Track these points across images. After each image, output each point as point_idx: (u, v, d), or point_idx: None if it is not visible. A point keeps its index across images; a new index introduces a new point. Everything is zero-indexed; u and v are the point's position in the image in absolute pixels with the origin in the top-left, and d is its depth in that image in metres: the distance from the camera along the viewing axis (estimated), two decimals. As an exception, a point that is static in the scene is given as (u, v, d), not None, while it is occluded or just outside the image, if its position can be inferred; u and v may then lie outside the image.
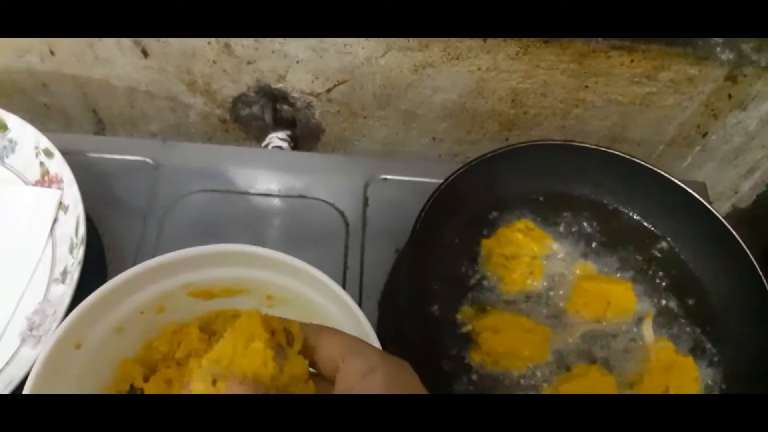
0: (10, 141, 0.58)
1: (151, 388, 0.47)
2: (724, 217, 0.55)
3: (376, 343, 0.44)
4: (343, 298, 0.46)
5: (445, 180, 0.55)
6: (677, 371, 0.52)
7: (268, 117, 0.73)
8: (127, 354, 0.48)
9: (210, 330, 0.50)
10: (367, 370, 0.29)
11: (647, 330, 0.54)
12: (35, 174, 0.57)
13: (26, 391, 0.40)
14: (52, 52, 0.66)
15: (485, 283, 0.55)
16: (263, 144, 0.73)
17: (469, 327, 0.52)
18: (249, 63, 0.66)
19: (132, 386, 0.47)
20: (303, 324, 0.35)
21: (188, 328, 0.48)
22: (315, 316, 0.49)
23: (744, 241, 0.54)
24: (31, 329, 0.50)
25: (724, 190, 0.80)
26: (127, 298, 0.46)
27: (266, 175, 0.65)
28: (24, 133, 0.58)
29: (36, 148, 0.57)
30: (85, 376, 0.45)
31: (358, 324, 0.45)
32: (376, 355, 0.30)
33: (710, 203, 0.57)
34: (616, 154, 0.59)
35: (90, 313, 0.44)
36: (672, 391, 0.51)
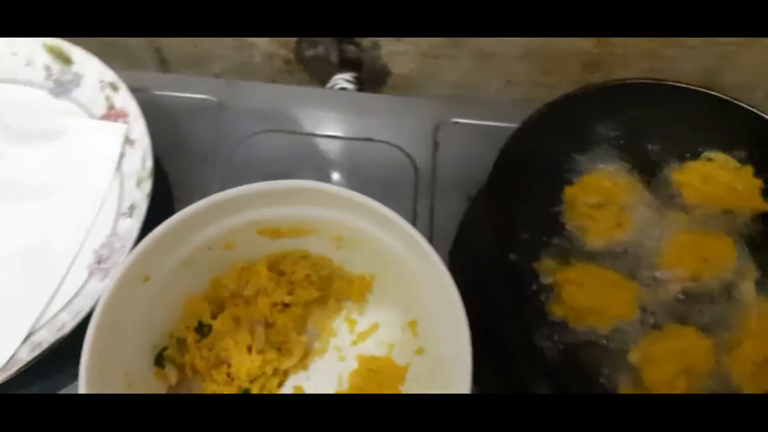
0: (75, 74, 0.57)
1: (219, 325, 0.46)
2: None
3: (454, 290, 0.41)
4: (418, 242, 0.43)
5: (524, 121, 0.50)
6: (782, 336, 0.47)
7: (333, 57, 0.69)
8: (195, 290, 0.47)
9: (278, 270, 0.48)
10: None
11: (748, 289, 0.49)
12: (101, 108, 0.56)
13: (93, 321, 0.39)
14: (116, -14, 0.64)
15: (568, 233, 0.51)
16: (328, 86, 0.70)
17: (550, 279, 0.49)
18: (316, -4, 0.62)
19: (200, 322, 0.46)
20: None
21: (256, 267, 0.47)
22: (386, 259, 0.46)
23: None
24: (99, 262, 0.50)
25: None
26: (194, 233, 0.45)
27: (332, 116, 0.63)
28: (89, 66, 0.56)
29: (101, 81, 0.56)
30: (152, 310, 0.44)
31: (435, 269, 0.42)
32: None
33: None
34: (714, 95, 0.54)
35: (157, 246, 0.42)
36: (776, 357, 0.46)
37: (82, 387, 0.37)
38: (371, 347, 0.47)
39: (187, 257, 0.45)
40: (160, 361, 0.45)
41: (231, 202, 0.44)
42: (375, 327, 0.48)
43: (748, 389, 0.46)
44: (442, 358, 0.42)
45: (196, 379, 0.45)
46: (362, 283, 0.48)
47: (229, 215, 0.45)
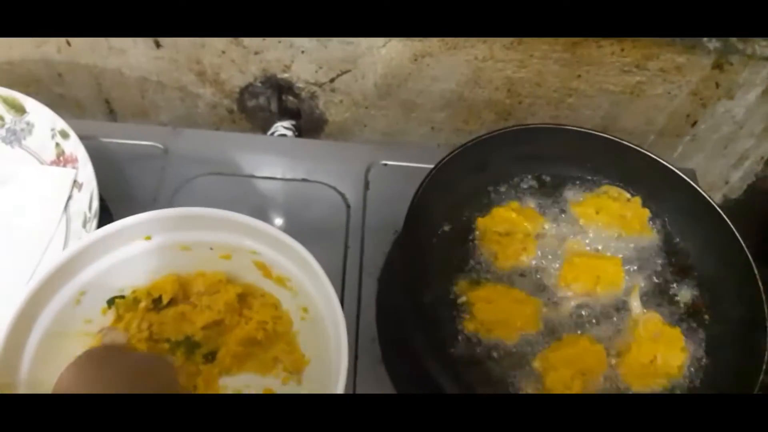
0: (28, 123, 0.61)
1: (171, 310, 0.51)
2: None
3: (338, 306, 0.45)
4: (301, 254, 0.47)
5: (440, 162, 0.57)
6: (665, 341, 0.54)
7: (273, 107, 0.76)
8: (178, 270, 0.51)
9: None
10: None
11: (635, 302, 0.56)
12: (51, 155, 0.60)
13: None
14: (68, 43, 0.70)
15: (480, 258, 0.58)
16: (268, 133, 0.76)
17: (463, 298, 0.55)
18: (256, 53, 0.69)
19: (160, 297, 0.50)
20: None
21: (231, 286, 0.51)
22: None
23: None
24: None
25: (715, 180, 0.83)
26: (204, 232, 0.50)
27: (271, 160, 0.68)
28: (41, 115, 0.60)
29: (52, 129, 0.60)
30: (144, 261, 0.50)
31: (315, 277, 0.47)
32: None
33: (701, 188, 0.58)
34: (606, 137, 0.61)
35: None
36: (660, 360, 0.53)
37: None
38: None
39: (191, 243, 0.50)
40: (111, 302, 0.49)
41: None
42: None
43: (637, 387, 0.52)
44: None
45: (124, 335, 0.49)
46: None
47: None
